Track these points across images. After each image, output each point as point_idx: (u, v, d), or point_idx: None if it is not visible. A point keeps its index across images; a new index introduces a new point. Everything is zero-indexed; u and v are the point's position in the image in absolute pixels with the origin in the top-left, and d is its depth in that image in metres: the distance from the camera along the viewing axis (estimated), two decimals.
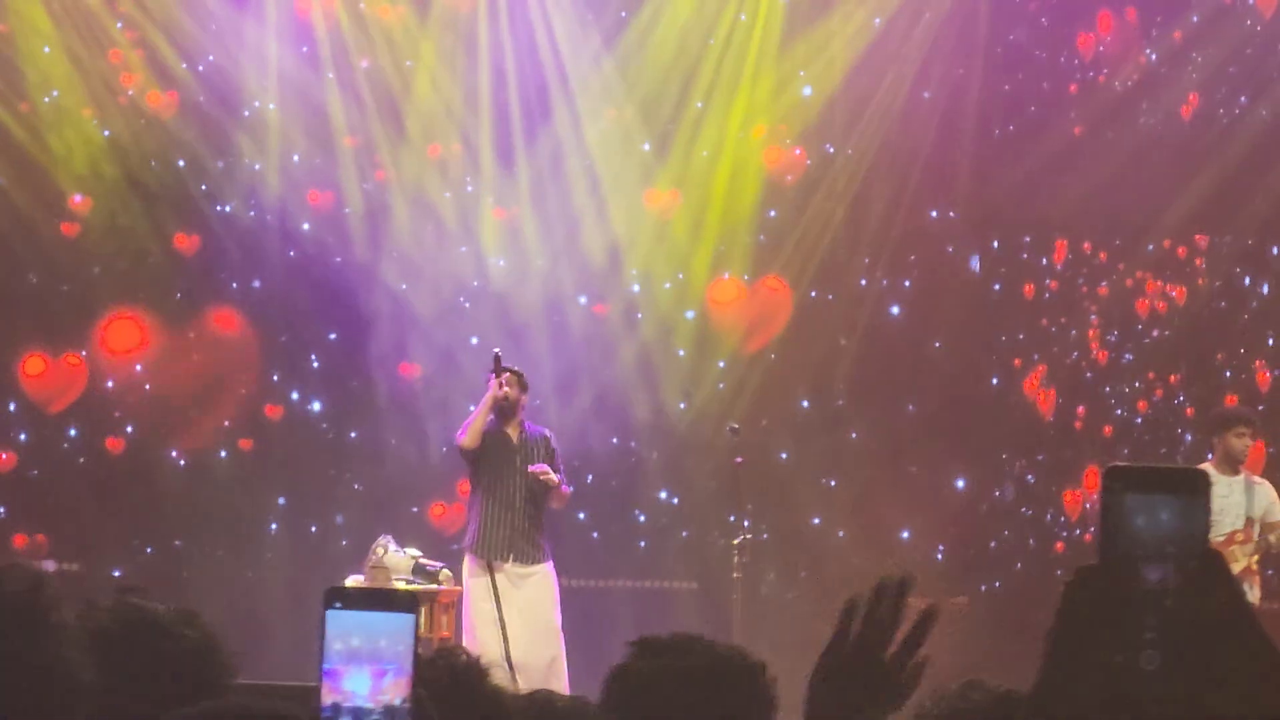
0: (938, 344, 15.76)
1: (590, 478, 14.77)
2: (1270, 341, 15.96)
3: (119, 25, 14.72)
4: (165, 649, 3.04)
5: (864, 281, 15.79)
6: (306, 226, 15.09)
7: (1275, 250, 16.10)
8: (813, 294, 15.72)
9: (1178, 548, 1.96)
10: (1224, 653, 1.94)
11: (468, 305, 15.23)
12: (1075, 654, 1.96)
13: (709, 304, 15.63)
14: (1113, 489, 1.97)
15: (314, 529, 14.97)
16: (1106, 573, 1.96)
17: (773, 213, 15.74)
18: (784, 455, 15.48)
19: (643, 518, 15.49)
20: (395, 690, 2.30)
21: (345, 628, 2.31)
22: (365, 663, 2.30)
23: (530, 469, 11.35)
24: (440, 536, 14.33)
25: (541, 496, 11.43)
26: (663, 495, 15.49)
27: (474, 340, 14.91)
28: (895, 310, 15.94)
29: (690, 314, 15.66)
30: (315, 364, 15.26)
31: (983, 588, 15.54)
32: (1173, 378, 15.95)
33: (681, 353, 15.60)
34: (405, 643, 2.32)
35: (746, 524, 12.75)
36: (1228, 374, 15.90)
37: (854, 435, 15.62)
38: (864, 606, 2.43)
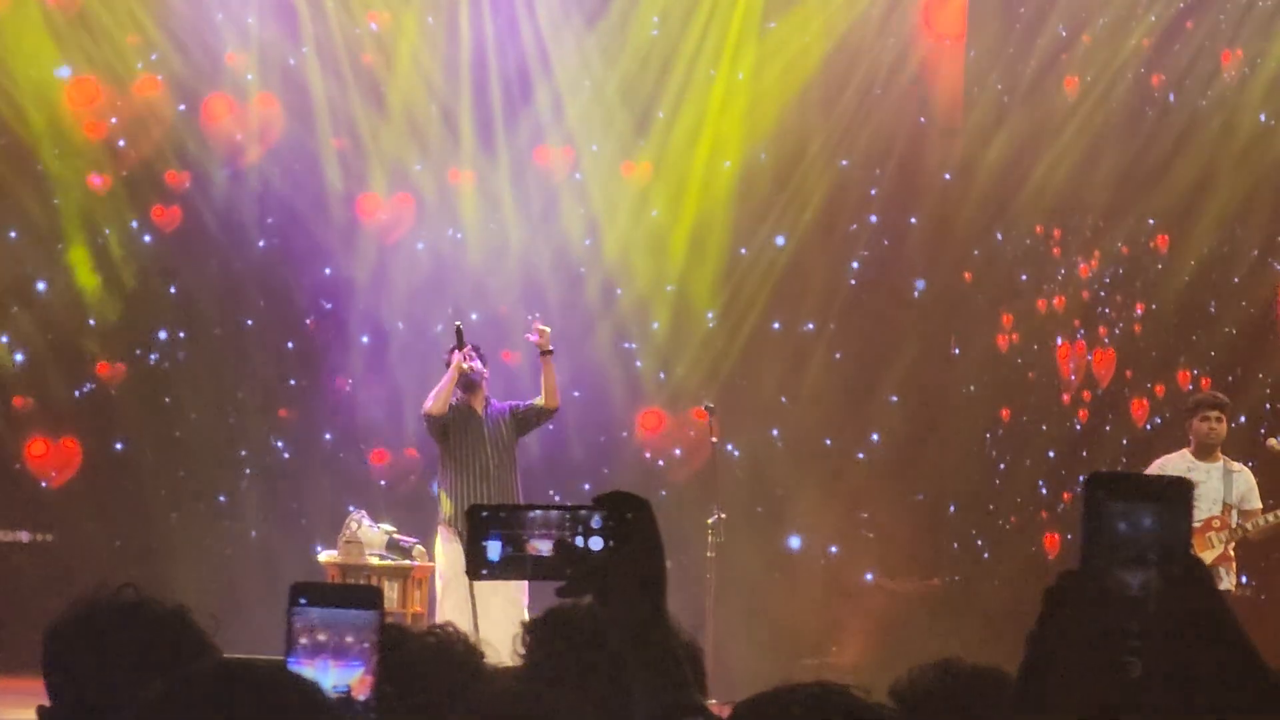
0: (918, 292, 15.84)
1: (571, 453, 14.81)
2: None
3: None
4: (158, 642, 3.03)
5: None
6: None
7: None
8: None
9: (1159, 554, 1.95)
10: (1206, 658, 1.94)
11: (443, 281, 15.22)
12: (1056, 658, 1.96)
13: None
14: (1095, 496, 1.96)
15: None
16: (1088, 578, 1.96)
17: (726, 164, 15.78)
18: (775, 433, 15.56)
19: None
20: (360, 686, 2.31)
21: (310, 622, 2.32)
22: (329, 657, 2.31)
23: (535, 326, 11.47)
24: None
25: (512, 467, 11.45)
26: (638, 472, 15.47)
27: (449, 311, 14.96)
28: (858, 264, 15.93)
29: (670, 288, 15.66)
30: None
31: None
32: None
33: (656, 325, 15.59)
34: (369, 638, 2.33)
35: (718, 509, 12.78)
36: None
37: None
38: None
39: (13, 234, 14.71)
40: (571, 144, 15.52)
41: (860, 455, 15.59)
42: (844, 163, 15.69)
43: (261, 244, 15.10)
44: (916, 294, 15.91)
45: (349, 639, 2.32)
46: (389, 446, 14.93)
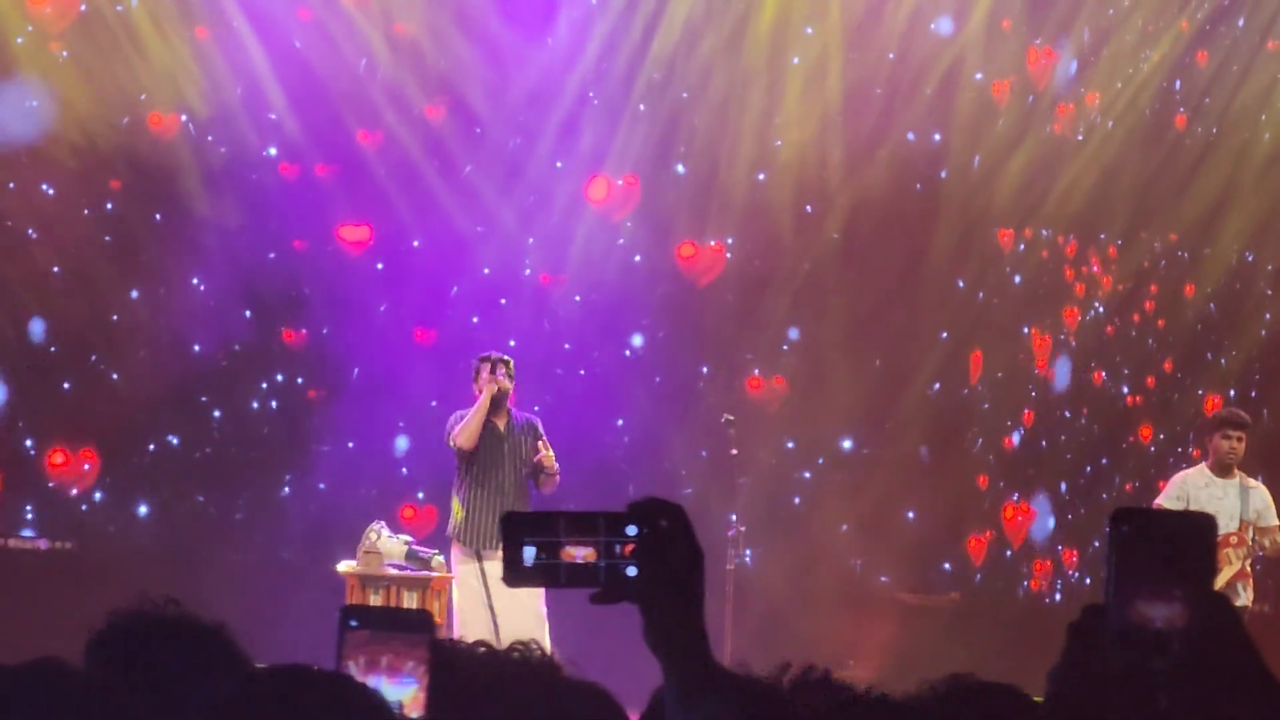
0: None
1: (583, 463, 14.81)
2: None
3: None
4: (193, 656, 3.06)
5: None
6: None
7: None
8: None
9: (1184, 590, 1.96)
10: (1230, 696, 1.94)
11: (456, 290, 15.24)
12: (1081, 693, 1.96)
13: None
14: (1119, 531, 1.98)
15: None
16: (1112, 613, 1.96)
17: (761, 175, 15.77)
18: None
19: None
20: (413, 704, 2.34)
21: (362, 643, 2.34)
22: (383, 674, 2.33)
23: (535, 459, 11.38)
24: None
25: (528, 483, 11.46)
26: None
27: (475, 319, 14.98)
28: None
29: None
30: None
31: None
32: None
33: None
34: (422, 657, 2.35)
35: (734, 518, 12.80)
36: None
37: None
38: None
39: None
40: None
41: (879, 468, 15.61)
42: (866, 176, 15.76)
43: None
44: (937, 305, 15.94)
45: (402, 659, 2.35)
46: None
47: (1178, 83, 16.31)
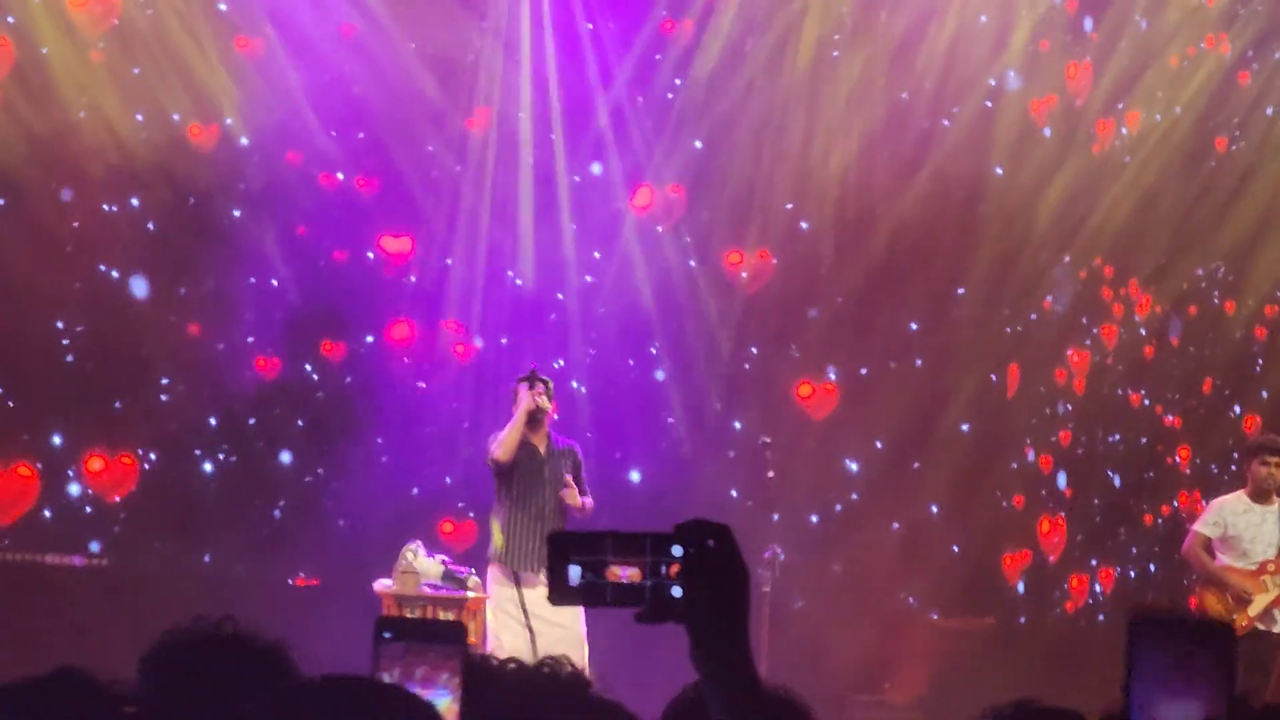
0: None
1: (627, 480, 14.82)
2: None
3: None
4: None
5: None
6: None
7: None
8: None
9: (1203, 695, 1.94)
10: None
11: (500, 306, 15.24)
12: None
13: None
14: (1138, 635, 1.96)
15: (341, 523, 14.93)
16: (1130, 714, 1.95)
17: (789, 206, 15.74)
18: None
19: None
20: (448, 716, 2.33)
21: (397, 655, 2.35)
22: (418, 686, 2.33)
23: (560, 494, 11.39)
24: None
25: (568, 506, 11.44)
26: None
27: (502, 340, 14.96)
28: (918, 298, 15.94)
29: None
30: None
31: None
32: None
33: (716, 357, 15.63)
34: (455, 670, 2.35)
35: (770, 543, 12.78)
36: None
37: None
38: None
39: None
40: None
41: (915, 489, 15.58)
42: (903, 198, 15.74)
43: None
44: (975, 324, 15.92)
45: (436, 670, 2.35)
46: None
47: (1219, 104, 16.30)
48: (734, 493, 15.15)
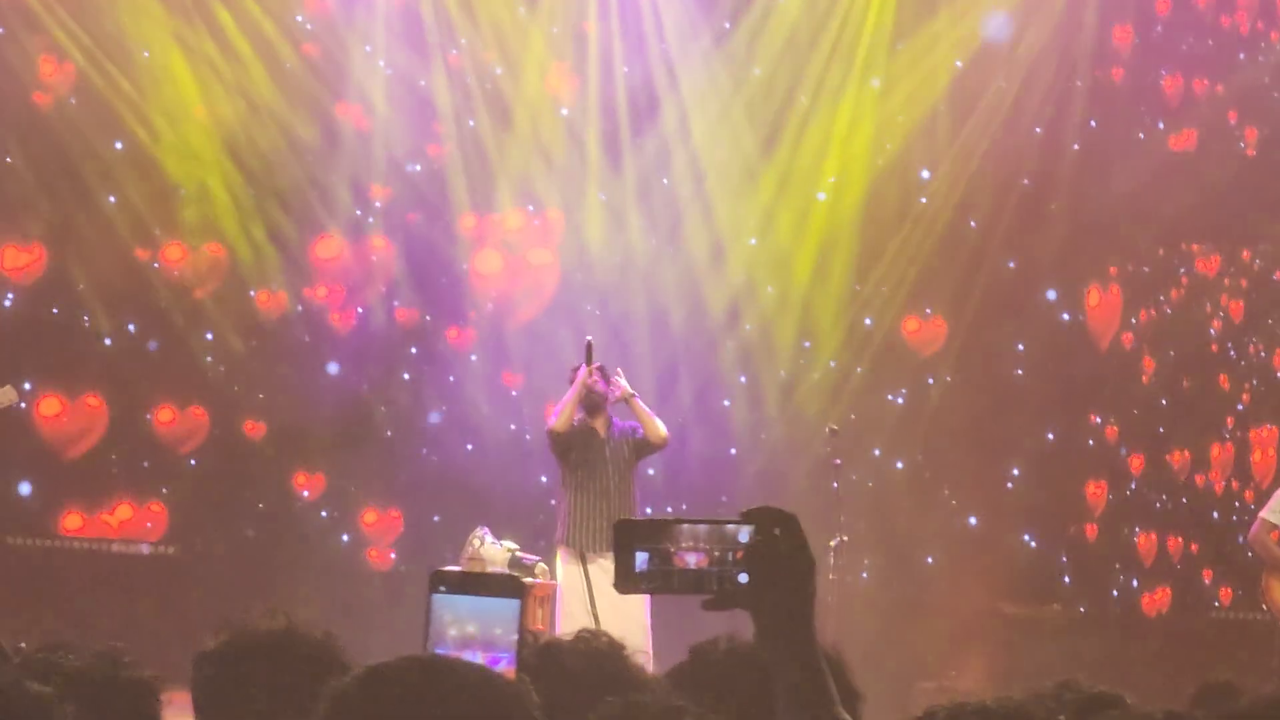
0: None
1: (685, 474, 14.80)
2: None
3: None
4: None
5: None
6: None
7: None
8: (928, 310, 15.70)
9: None
10: None
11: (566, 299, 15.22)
12: None
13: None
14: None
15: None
16: None
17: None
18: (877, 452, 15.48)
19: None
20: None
21: (456, 613, 2.33)
22: (479, 649, 2.32)
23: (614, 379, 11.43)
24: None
25: (633, 487, 11.44)
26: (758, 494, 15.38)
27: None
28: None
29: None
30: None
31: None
32: None
33: (778, 347, 15.56)
34: (512, 628, 2.34)
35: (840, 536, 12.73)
36: None
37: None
38: None
39: None
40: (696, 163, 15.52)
41: (984, 481, 15.51)
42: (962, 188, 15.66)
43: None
44: (1044, 324, 15.84)
45: (496, 630, 2.33)
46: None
47: None
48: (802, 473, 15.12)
